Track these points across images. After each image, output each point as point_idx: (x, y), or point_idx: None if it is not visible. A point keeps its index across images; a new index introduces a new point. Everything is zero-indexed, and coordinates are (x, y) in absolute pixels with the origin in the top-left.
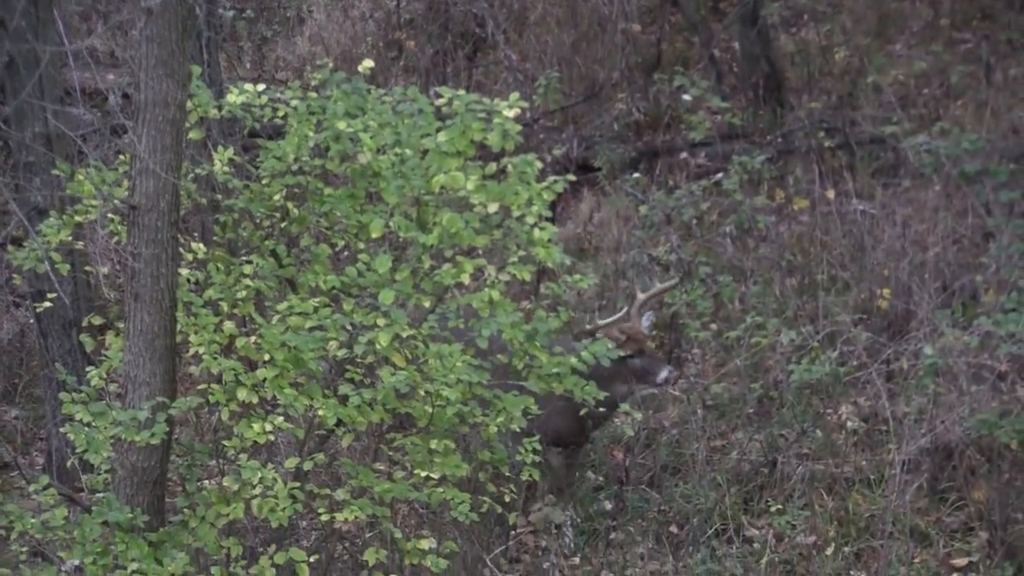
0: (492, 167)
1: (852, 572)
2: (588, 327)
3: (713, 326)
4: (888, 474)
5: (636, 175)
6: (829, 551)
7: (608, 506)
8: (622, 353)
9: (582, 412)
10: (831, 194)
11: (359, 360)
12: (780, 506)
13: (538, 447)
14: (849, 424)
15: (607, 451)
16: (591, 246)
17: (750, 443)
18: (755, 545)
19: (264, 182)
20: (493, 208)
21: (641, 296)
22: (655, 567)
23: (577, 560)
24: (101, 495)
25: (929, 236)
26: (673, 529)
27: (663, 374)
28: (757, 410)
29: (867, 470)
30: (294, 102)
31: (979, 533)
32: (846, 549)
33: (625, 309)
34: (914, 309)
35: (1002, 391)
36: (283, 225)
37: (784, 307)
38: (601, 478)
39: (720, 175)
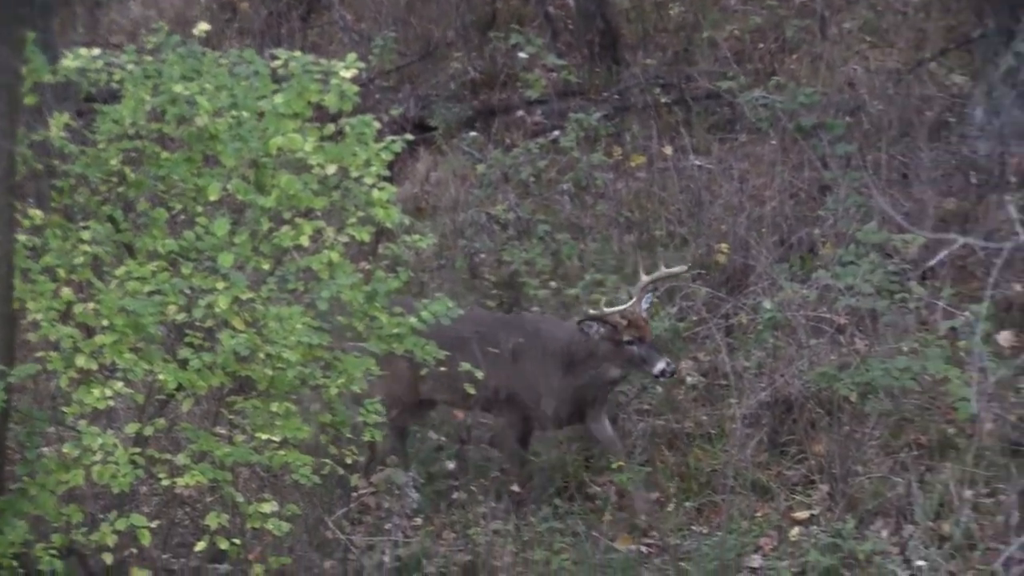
0: (329, 128)
1: (694, 527)
2: (594, 312)
3: (552, 283)
4: (728, 428)
5: (473, 134)
6: (671, 507)
7: (450, 466)
8: (626, 338)
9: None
10: (668, 150)
11: (198, 324)
12: (621, 463)
13: (380, 408)
14: (689, 379)
15: (448, 411)
16: (429, 206)
17: None
18: (597, 502)
19: (100, 147)
20: (331, 169)
21: (645, 278)
22: (498, 526)
23: (419, 520)
24: None
25: (766, 190)
26: (515, 488)
27: (659, 365)
28: None
29: (707, 425)
30: (130, 66)
31: (820, 486)
32: (688, 504)
33: (634, 299)
34: (752, 263)
35: (841, 344)
36: (120, 190)
37: (623, 263)
38: (443, 438)
39: (557, 133)
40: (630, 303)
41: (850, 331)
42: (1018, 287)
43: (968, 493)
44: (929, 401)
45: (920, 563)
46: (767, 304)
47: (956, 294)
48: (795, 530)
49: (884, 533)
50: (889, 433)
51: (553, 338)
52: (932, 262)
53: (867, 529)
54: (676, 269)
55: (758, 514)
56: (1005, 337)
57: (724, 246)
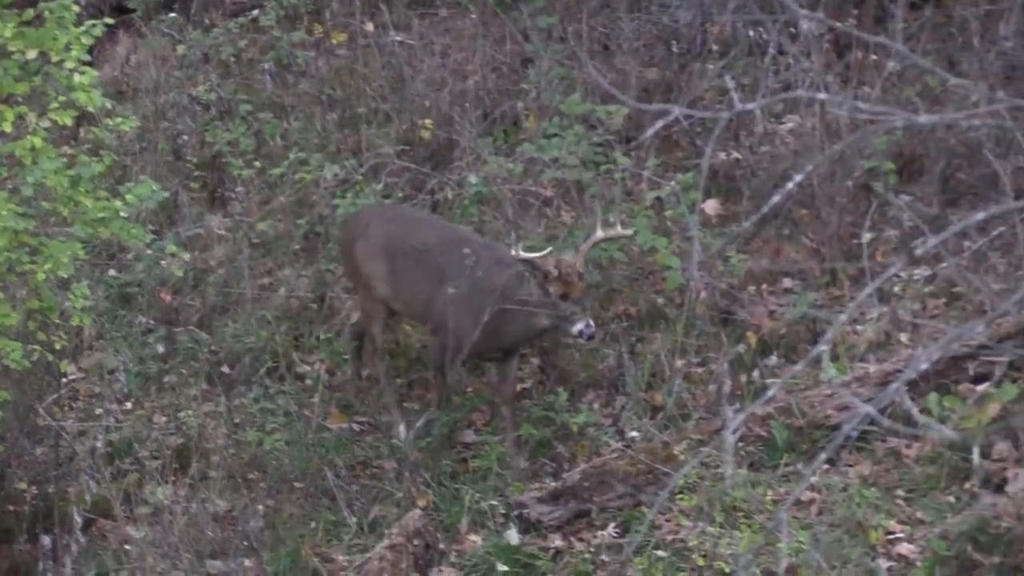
0: (29, 13)
1: (406, 404)
2: (527, 255)
3: (256, 163)
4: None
5: (172, 15)
6: (382, 383)
7: (159, 349)
8: (553, 290)
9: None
10: (369, 26)
11: None
12: (331, 340)
13: (87, 292)
14: None
15: (155, 293)
16: (130, 88)
17: (298, 279)
18: (308, 381)
19: None
20: (31, 54)
21: (600, 234)
22: (209, 408)
23: (130, 405)
24: None
25: (468, 65)
26: (225, 369)
27: (578, 326)
28: (304, 246)
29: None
30: None
31: (530, 359)
32: (399, 380)
33: (576, 254)
34: (456, 138)
35: (548, 216)
36: None
37: (326, 142)
38: (151, 321)
39: (257, 12)
40: (571, 256)
41: (556, 204)
42: (723, 155)
43: (679, 363)
44: (638, 271)
45: (633, 434)
46: (472, 179)
47: (661, 164)
48: None
49: (596, 405)
50: (599, 304)
51: (491, 274)
52: (649, 132)
53: (579, 401)
54: (625, 232)
55: (469, 389)
56: (711, 206)
57: (428, 122)
